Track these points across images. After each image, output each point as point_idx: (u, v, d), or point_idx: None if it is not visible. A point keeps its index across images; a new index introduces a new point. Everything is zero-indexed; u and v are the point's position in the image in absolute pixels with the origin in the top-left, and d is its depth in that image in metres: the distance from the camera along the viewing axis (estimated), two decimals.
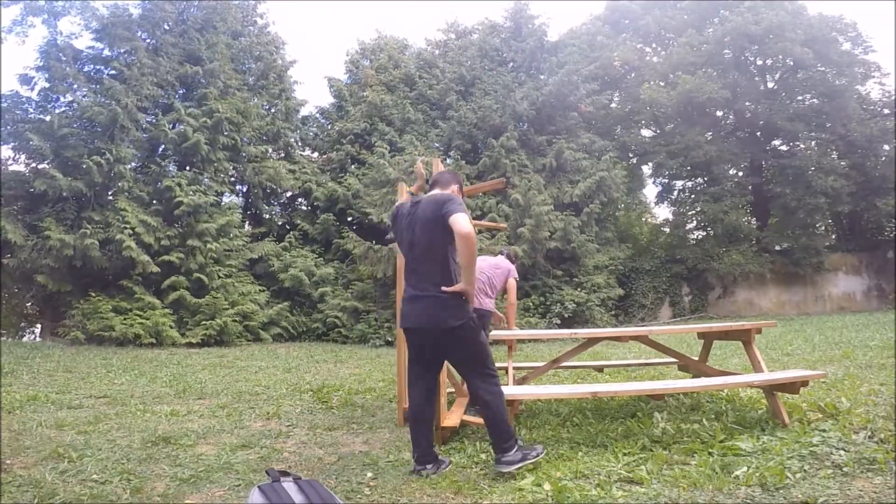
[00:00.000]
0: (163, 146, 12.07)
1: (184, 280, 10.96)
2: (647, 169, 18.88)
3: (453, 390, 4.08)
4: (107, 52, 11.84)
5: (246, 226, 14.02)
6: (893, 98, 16.12)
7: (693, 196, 17.98)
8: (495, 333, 4.07)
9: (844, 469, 2.37)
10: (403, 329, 2.79)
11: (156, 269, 10.63)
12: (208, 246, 11.24)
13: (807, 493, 2.14)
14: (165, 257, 10.82)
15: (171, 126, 11.79)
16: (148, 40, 12.24)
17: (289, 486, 1.85)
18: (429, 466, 2.62)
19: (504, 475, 2.52)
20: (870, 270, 16.29)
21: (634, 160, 18.37)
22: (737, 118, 17.43)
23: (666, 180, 18.67)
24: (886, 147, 15.47)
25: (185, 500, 2.33)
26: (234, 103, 12.54)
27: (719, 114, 17.61)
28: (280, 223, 15.15)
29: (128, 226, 10.42)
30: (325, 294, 12.25)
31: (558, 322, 11.94)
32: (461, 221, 2.48)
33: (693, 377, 4.12)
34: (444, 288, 2.57)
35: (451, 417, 3.34)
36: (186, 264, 11.06)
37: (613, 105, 17.82)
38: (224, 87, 12.73)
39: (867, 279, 16.26)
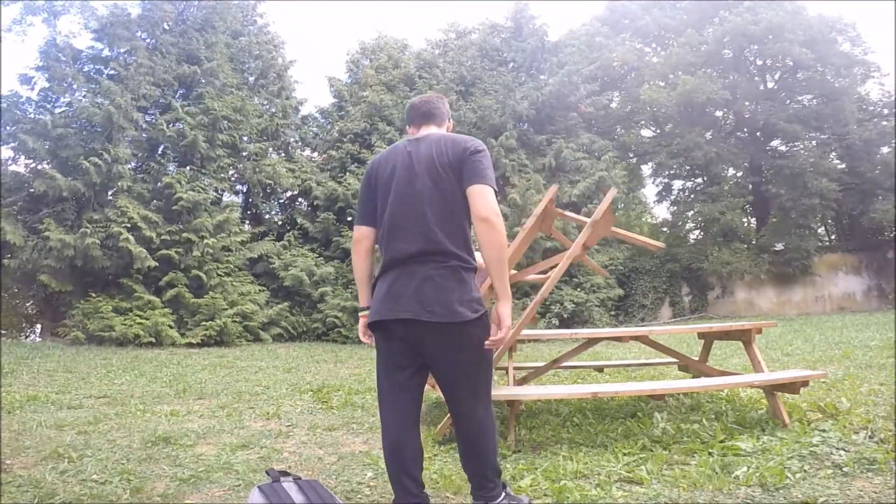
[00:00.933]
0: (162, 145, 12.07)
1: (182, 277, 10.95)
2: (646, 169, 18.90)
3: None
4: (106, 52, 11.82)
5: (246, 225, 14.01)
6: (893, 99, 16.13)
7: (692, 196, 17.99)
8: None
9: (844, 469, 2.37)
10: (380, 322, 1.84)
11: (153, 262, 10.59)
12: (205, 241, 11.22)
13: (807, 493, 2.14)
14: (164, 251, 10.80)
15: (169, 125, 11.78)
16: (147, 40, 12.22)
17: (289, 486, 1.85)
18: None
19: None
20: (870, 270, 16.29)
21: (634, 160, 18.37)
22: (736, 118, 17.44)
23: (665, 180, 18.70)
24: (885, 150, 15.46)
25: (185, 500, 2.33)
26: (232, 101, 12.53)
27: (719, 114, 17.62)
28: (280, 222, 15.15)
29: (128, 220, 10.42)
30: (325, 294, 12.24)
31: (557, 322, 11.94)
32: (489, 199, 1.67)
33: (693, 377, 4.11)
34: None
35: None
36: (185, 260, 11.05)
37: (613, 105, 17.82)
38: (223, 87, 12.71)
39: (867, 279, 16.26)
